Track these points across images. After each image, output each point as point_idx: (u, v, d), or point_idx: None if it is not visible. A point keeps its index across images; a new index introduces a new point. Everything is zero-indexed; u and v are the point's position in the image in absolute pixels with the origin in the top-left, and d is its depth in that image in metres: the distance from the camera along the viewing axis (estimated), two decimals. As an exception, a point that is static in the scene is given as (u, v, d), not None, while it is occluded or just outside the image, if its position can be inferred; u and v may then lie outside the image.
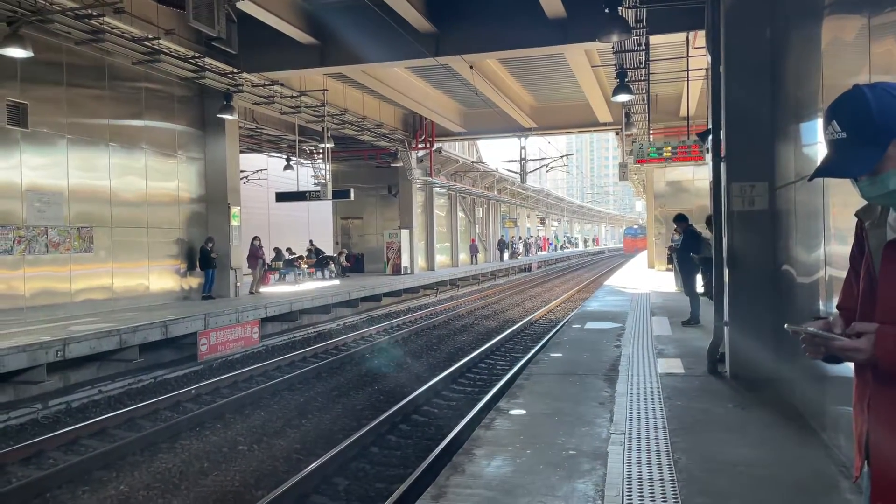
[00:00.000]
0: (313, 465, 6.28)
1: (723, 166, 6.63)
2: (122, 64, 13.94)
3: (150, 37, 12.46)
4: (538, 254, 54.22)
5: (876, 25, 3.39)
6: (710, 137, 7.05)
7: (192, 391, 9.76)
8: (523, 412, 5.54)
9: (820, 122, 4.52)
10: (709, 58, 7.14)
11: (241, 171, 21.22)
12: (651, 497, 3.66)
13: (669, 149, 14.12)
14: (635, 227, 75.62)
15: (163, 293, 15.43)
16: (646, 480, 3.91)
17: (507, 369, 10.93)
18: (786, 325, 1.66)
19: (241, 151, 20.70)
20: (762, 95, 6.28)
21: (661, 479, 3.91)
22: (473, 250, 37.79)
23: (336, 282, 22.47)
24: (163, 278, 15.55)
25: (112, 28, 11.78)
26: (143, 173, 14.99)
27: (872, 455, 1.57)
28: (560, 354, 8.25)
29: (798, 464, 4.17)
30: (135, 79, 14.69)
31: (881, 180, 1.53)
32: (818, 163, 1.79)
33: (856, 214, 1.76)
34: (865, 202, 1.66)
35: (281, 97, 16.91)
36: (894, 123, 1.50)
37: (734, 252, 6.49)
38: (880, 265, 1.59)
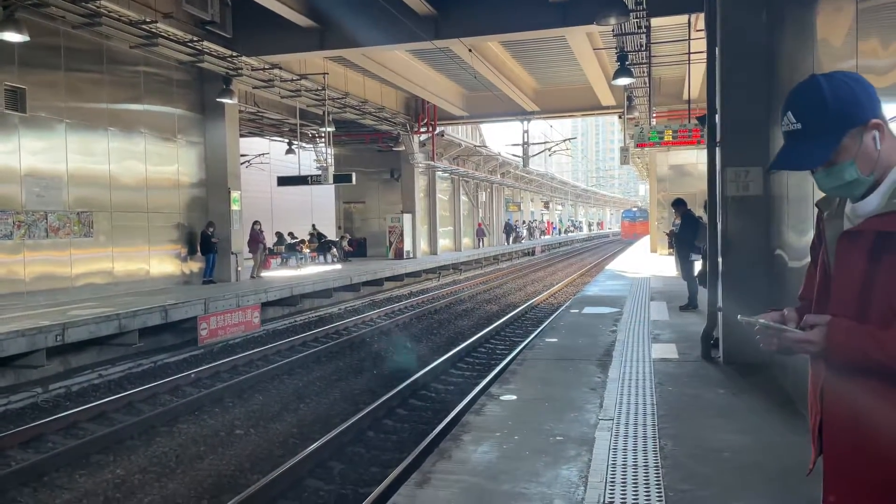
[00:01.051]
0: (309, 449, 6.33)
1: (718, 151, 6.59)
2: (120, 48, 13.90)
3: (147, 20, 12.41)
4: (542, 238, 54.15)
5: (863, 9, 3.35)
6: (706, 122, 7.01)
7: (192, 375, 9.82)
8: (514, 398, 5.56)
9: (805, 80, 4.46)
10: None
11: (243, 156, 21.24)
12: (634, 483, 3.68)
13: (670, 133, 14.04)
14: (634, 209, 64.84)
15: (163, 277, 15.49)
16: (630, 466, 3.93)
17: (507, 353, 10.96)
18: (738, 317, 1.62)
19: (242, 135, 20.68)
20: (758, 80, 6.22)
21: (645, 466, 3.92)
22: (480, 234, 37.93)
23: (338, 266, 22.51)
24: (163, 263, 15.60)
25: (109, 11, 11.73)
26: (142, 158, 14.99)
27: (826, 448, 1.56)
28: (555, 339, 8.26)
29: (785, 450, 4.18)
30: (133, 63, 14.64)
31: (836, 171, 1.51)
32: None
33: (816, 204, 1.74)
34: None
35: (281, 81, 16.84)
36: (849, 114, 1.47)
37: (728, 237, 6.47)
38: (834, 257, 1.56)
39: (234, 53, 14.70)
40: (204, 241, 16.10)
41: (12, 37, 10.77)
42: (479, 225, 38.74)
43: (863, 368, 1.43)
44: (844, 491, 1.51)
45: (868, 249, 1.46)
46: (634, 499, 3.49)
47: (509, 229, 43.79)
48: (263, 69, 15.86)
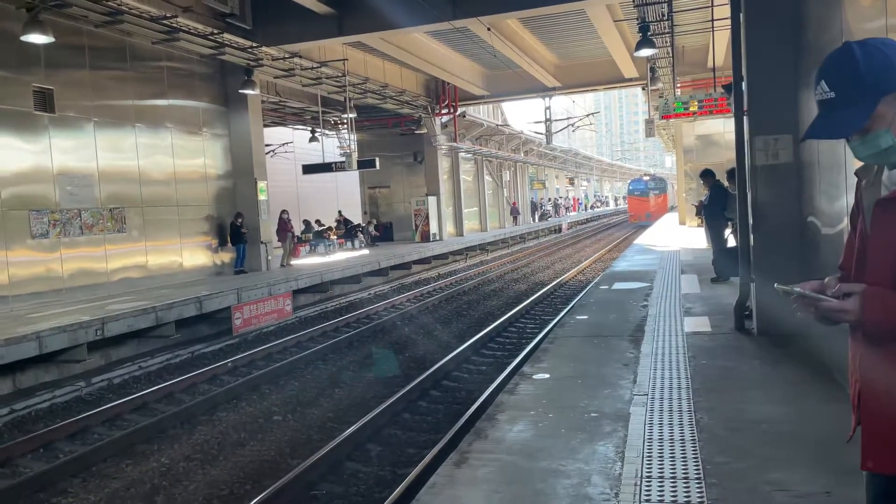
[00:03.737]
0: (346, 433, 6.44)
1: (745, 119, 6.47)
2: (143, 44, 14.05)
3: (167, 15, 12.51)
4: (568, 214, 53.81)
5: (893, -32, 3.26)
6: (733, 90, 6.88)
7: (228, 364, 10.01)
8: (547, 376, 5.58)
9: (839, 47, 4.37)
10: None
11: (267, 145, 21.39)
12: (671, 457, 3.69)
13: (696, 103, 13.79)
14: (645, 177, 45.75)
15: (196, 269, 15.74)
16: (667, 441, 3.93)
17: (537, 332, 10.98)
18: (775, 285, 1.63)
19: (266, 125, 20.81)
20: (784, 44, 6.08)
21: (681, 440, 3.92)
22: (515, 213, 38.61)
23: (365, 251, 22.65)
24: (195, 255, 15.85)
25: (130, 8, 11.85)
26: (169, 152, 15.19)
27: (863, 415, 1.57)
28: (586, 317, 8.25)
29: (822, 420, 4.14)
30: (156, 58, 14.80)
31: (871, 139, 1.50)
32: None
33: (855, 174, 1.73)
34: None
35: (301, 69, 16.89)
36: (883, 81, 1.46)
37: (759, 207, 6.38)
38: (870, 225, 1.56)
39: (255, 44, 14.76)
40: (234, 231, 16.31)
41: (38, 38, 10.95)
42: (514, 204, 38.93)
43: None
44: (882, 459, 1.53)
45: None
46: (672, 472, 3.50)
47: (534, 207, 43.67)
48: (284, 58, 15.91)
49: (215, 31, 13.76)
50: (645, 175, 48.68)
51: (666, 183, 44.40)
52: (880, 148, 1.50)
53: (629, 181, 50.39)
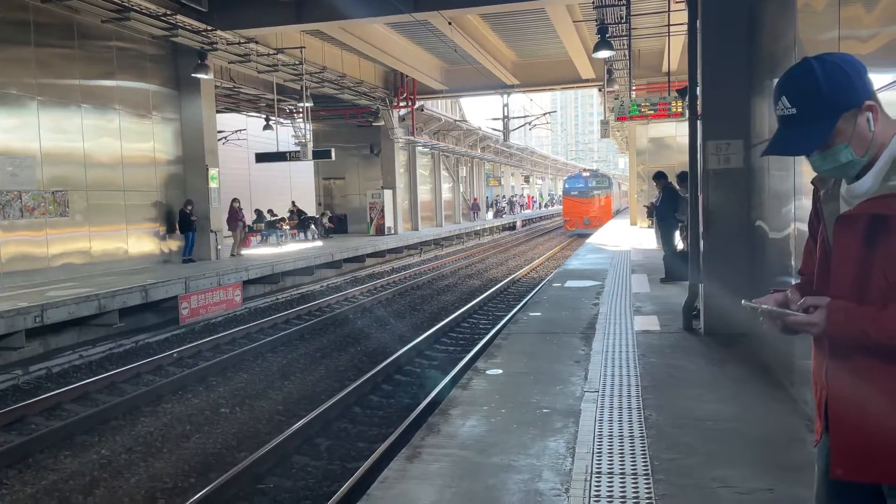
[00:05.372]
0: (296, 426, 6.36)
1: (699, 124, 6.61)
2: (92, 22, 13.56)
3: (118, -7, 12.11)
4: (522, 212, 54.26)
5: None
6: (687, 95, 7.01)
7: (174, 355, 9.78)
8: (500, 372, 5.61)
9: (799, 63, 4.49)
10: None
11: (220, 132, 20.92)
12: (620, 453, 3.75)
13: (649, 105, 14.04)
14: (585, 173, 37.15)
15: (142, 257, 15.31)
16: (616, 437, 3.99)
17: (491, 328, 11.03)
18: (742, 301, 1.68)
19: (219, 111, 20.35)
20: (738, 52, 6.22)
21: (630, 436, 3.99)
22: (475, 209, 39.15)
23: (319, 243, 22.40)
24: (142, 242, 15.41)
25: (78, -15, 11.43)
26: (117, 134, 14.71)
27: (832, 424, 1.60)
28: (539, 314, 8.32)
29: (765, 418, 4.26)
30: (105, 37, 14.30)
31: (831, 155, 1.54)
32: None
33: (812, 182, 1.76)
34: None
35: (257, 55, 16.56)
36: (844, 97, 1.49)
37: (710, 210, 6.52)
38: (832, 240, 1.60)
39: (209, 28, 14.40)
40: (182, 219, 15.92)
41: (-22, 11, 10.46)
42: (475, 200, 39.14)
43: (863, 347, 1.48)
44: (851, 466, 1.55)
45: (863, 233, 1.50)
46: (621, 468, 3.55)
47: (489, 204, 44.02)
48: (239, 43, 15.58)
49: (168, 13, 13.37)
50: (584, 170, 39.11)
51: (611, 181, 36.10)
52: (840, 162, 1.54)
53: (565, 178, 43.04)
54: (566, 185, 36.25)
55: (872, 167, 1.53)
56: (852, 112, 1.50)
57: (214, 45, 15.18)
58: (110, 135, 14.54)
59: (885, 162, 1.51)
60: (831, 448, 1.59)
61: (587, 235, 25.89)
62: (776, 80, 1.59)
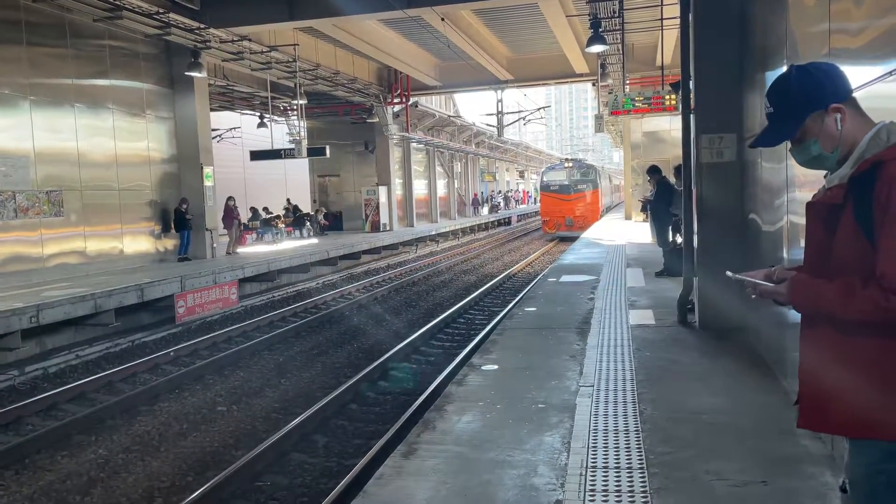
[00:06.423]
0: (292, 424, 6.37)
1: (692, 118, 6.62)
2: (84, 21, 13.50)
3: (110, -8, 12.06)
4: (518, 207, 54.25)
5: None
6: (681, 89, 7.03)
7: (171, 353, 9.78)
8: (495, 367, 5.62)
9: (784, 70, 4.52)
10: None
11: (214, 130, 20.87)
12: (615, 447, 3.77)
13: (643, 99, 14.06)
14: (567, 164, 30.15)
15: (138, 256, 15.28)
16: (611, 431, 4.01)
17: (486, 323, 11.05)
18: (727, 272, 1.95)
19: (213, 109, 20.30)
20: (731, 46, 6.24)
21: (626, 430, 4.01)
22: (475, 203, 39.75)
23: (314, 240, 22.38)
24: (137, 241, 15.38)
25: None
26: (111, 134, 14.66)
27: (799, 381, 1.80)
28: (534, 309, 8.34)
29: (759, 411, 4.29)
30: (98, 36, 14.25)
31: (802, 148, 1.80)
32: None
33: (824, 176, 1.93)
34: None
35: (251, 53, 16.51)
36: (812, 100, 1.74)
37: (704, 203, 6.54)
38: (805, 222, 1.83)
39: (202, 26, 14.35)
40: (178, 217, 15.88)
41: (-31, 11, 10.41)
42: (475, 195, 39.26)
43: (825, 317, 1.69)
44: (815, 419, 1.78)
45: (823, 219, 1.74)
46: (616, 462, 3.57)
47: (484, 200, 44.08)
48: (232, 41, 15.53)
49: (161, 11, 13.32)
50: (566, 160, 31.35)
51: (598, 173, 30.43)
52: (811, 155, 1.79)
53: (542, 169, 35.84)
54: (543, 179, 30.25)
55: (847, 162, 1.74)
56: (819, 113, 1.73)
57: (208, 43, 15.13)
58: (104, 134, 14.49)
59: (853, 158, 1.72)
60: (799, 405, 1.79)
61: (571, 239, 22.25)
62: (768, 71, 1.80)
